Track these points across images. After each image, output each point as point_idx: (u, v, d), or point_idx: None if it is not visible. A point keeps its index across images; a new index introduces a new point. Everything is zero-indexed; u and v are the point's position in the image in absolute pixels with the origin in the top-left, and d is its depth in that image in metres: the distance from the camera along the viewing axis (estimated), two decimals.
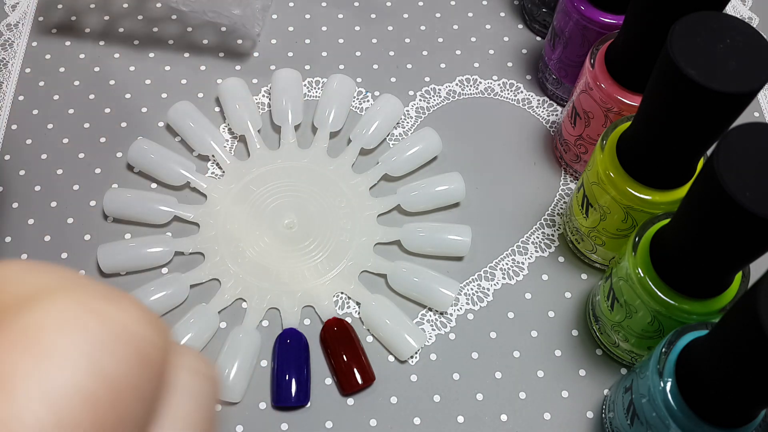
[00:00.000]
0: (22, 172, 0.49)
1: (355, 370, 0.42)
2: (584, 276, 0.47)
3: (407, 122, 0.52)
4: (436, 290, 0.44)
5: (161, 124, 0.51)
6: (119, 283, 0.45)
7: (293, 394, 0.41)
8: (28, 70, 0.54)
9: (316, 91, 0.53)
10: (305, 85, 0.53)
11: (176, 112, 0.50)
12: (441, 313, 0.45)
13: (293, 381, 0.42)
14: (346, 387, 0.42)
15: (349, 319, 0.45)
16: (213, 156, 0.50)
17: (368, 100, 0.53)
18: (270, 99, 0.52)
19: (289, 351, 0.43)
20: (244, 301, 0.45)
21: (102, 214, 0.48)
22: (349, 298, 0.45)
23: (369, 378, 0.42)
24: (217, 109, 0.52)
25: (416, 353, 0.44)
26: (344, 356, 0.42)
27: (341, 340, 0.43)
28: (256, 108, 0.51)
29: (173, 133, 0.51)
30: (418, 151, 0.49)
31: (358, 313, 0.45)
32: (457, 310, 0.45)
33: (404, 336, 0.43)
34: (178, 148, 0.50)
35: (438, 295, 0.44)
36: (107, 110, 0.52)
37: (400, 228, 0.47)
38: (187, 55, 0.55)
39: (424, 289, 0.44)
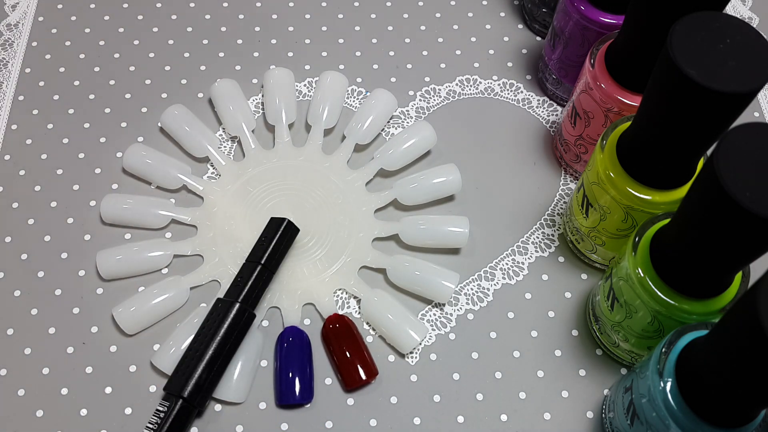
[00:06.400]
0: (22, 172, 0.49)
1: (358, 365, 0.42)
2: (584, 276, 0.47)
3: (407, 122, 0.52)
4: (436, 282, 0.44)
5: (161, 124, 0.51)
6: (120, 286, 0.45)
7: (297, 391, 0.41)
8: (28, 70, 0.54)
9: None
10: (305, 85, 0.53)
11: (168, 117, 0.50)
12: (441, 309, 0.45)
13: (297, 379, 0.42)
14: (349, 382, 0.42)
15: None
16: (208, 158, 0.50)
17: (362, 98, 0.53)
18: (263, 99, 0.52)
19: (291, 349, 0.43)
20: None
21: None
22: (349, 296, 0.45)
23: (372, 373, 0.42)
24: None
25: (416, 352, 0.44)
26: (347, 352, 0.42)
27: (343, 336, 0.43)
28: (249, 108, 0.51)
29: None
30: (413, 145, 0.49)
31: (359, 312, 0.45)
32: (457, 310, 0.45)
33: (406, 329, 0.43)
34: (178, 148, 0.50)
35: (438, 287, 0.44)
36: (107, 110, 0.52)
37: (398, 222, 0.47)
38: (187, 55, 0.54)
39: (423, 281, 0.44)
